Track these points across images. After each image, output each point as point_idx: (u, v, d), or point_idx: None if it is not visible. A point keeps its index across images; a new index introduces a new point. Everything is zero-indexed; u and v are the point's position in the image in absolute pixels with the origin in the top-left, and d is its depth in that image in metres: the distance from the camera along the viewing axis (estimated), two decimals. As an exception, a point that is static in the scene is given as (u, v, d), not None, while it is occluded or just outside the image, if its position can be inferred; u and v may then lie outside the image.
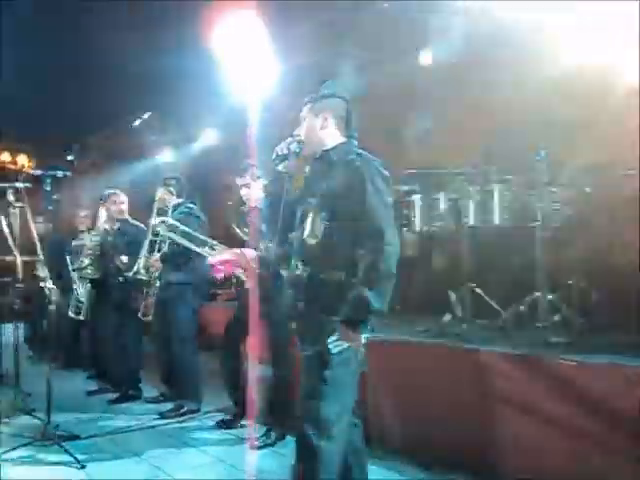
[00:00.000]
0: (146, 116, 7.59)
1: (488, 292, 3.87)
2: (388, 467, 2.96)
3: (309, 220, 2.06)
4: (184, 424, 3.80)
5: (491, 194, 3.86)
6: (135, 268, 3.85)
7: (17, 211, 3.65)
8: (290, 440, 3.38)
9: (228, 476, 2.97)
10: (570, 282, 3.43)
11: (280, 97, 5.22)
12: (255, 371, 3.64)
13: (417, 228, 4.01)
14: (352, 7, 5.08)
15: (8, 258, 4.15)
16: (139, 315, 4.09)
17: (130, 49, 5.28)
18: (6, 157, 7.59)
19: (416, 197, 3.99)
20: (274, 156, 2.18)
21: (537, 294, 3.46)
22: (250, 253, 2.54)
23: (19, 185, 3.37)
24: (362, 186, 1.98)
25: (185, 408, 3.95)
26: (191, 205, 4.12)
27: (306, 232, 2.06)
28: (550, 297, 3.40)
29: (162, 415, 3.90)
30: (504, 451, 2.75)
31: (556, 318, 3.35)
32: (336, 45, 5.35)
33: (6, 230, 3.48)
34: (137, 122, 7.83)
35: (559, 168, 3.74)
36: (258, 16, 4.24)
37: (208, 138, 7.27)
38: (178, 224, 3.76)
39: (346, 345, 1.94)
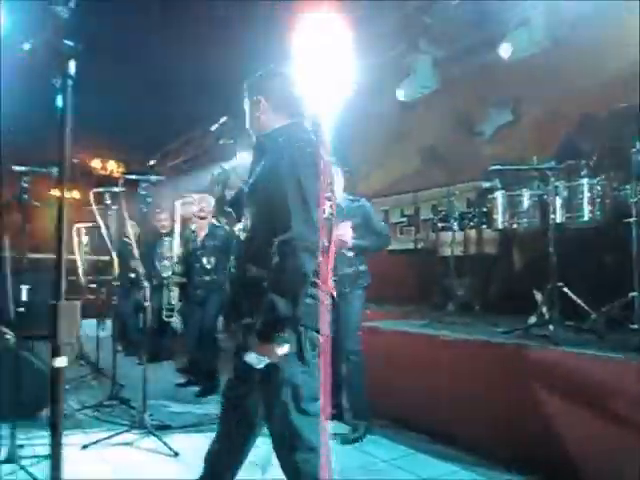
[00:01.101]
0: (223, 120, 7.84)
1: (577, 292, 3.69)
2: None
3: (245, 213, 1.91)
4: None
5: (579, 189, 3.67)
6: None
7: (114, 214, 3.91)
8: (376, 438, 3.43)
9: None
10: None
11: (357, 97, 5.24)
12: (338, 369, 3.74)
13: (499, 226, 3.88)
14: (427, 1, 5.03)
15: (103, 258, 4.48)
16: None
17: (209, 57, 5.49)
18: (97, 163, 8.06)
19: (498, 194, 3.87)
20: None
21: (633, 294, 3.26)
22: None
23: (117, 189, 3.61)
24: (279, 171, 1.75)
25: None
26: None
27: (239, 226, 1.92)
28: (647, 297, 3.19)
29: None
30: (604, 461, 2.63)
31: (654, 320, 3.15)
32: (412, 41, 5.31)
33: (104, 231, 3.73)
34: (214, 127, 8.12)
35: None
36: (335, 15, 4.26)
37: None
38: None
39: (266, 360, 1.73)
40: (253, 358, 1.74)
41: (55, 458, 1.15)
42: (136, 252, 3.51)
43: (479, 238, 4.74)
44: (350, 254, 3.58)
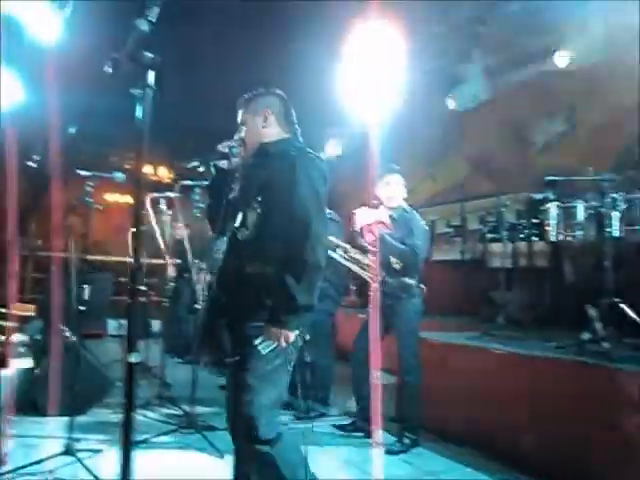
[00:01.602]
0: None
1: (635, 309, 3.55)
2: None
3: (241, 213, 2.00)
4: (315, 426, 3.91)
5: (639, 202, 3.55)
6: None
7: (168, 219, 4.04)
8: (421, 450, 3.40)
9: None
10: None
11: (405, 105, 5.25)
12: (381, 379, 3.72)
13: (552, 238, 3.78)
14: (481, 8, 4.98)
15: (156, 261, 4.61)
16: None
17: (258, 68, 5.59)
18: (149, 170, 8.30)
19: (551, 205, 3.77)
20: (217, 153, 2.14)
21: (696, 312, 3.12)
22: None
23: (172, 195, 3.72)
24: (293, 176, 1.91)
25: (315, 412, 4.02)
26: (329, 210, 4.17)
27: (237, 224, 2.00)
28: None
29: (295, 416, 3.98)
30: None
31: None
32: (463, 50, 5.27)
33: (158, 236, 3.85)
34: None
35: None
36: (387, 22, 4.28)
37: (332, 149, 7.45)
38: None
39: (274, 344, 1.84)
40: (263, 344, 1.83)
41: (125, 452, 1.20)
42: (190, 255, 3.61)
43: (530, 250, 4.63)
44: (397, 266, 3.55)
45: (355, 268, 3.67)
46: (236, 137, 2.14)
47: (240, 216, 1.99)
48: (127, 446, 1.22)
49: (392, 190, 3.65)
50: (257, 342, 1.83)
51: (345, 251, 3.66)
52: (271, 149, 2.07)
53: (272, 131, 2.11)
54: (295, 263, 1.83)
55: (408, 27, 4.37)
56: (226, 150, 2.11)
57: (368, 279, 3.57)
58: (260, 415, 1.83)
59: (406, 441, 3.39)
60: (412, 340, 3.50)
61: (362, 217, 3.57)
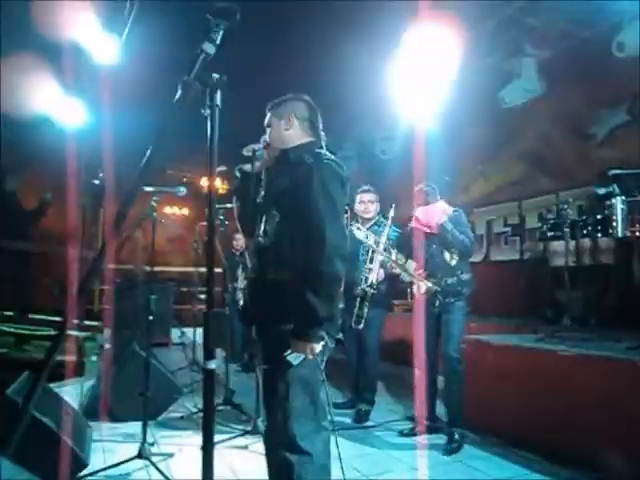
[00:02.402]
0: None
1: None
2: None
3: (263, 219, 2.01)
4: (374, 430, 3.91)
5: None
6: (370, 278, 3.82)
7: (224, 229, 4.15)
8: (482, 454, 3.35)
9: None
10: None
11: (458, 102, 5.17)
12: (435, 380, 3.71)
13: (619, 234, 3.63)
14: (532, 2, 4.86)
15: (202, 269, 4.74)
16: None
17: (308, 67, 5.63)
18: (204, 182, 8.52)
19: (617, 200, 3.62)
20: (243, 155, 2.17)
21: None
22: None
23: (230, 206, 3.81)
24: (308, 183, 1.90)
25: (362, 410, 4.06)
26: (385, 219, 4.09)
27: (259, 232, 2.01)
28: None
29: (354, 420, 4.01)
30: None
31: None
32: (515, 44, 5.16)
33: (218, 246, 3.95)
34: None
35: None
36: (439, 21, 4.25)
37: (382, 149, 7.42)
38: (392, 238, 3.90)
39: (302, 357, 1.84)
40: (291, 355, 1.85)
41: (207, 456, 1.25)
42: (249, 264, 3.68)
43: (594, 247, 4.46)
44: (453, 263, 3.57)
45: (399, 271, 3.70)
46: (262, 140, 2.19)
47: (263, 222, 2.03)
48: (208, 448, 1.27)
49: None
50: (286, 354, 1.86)
51: (390, 254, 3.69)
52: (290, 155, 2.10)
53: (295, 135, 2.13)
54: (312, 276, 1.83)
55: (458, 25, 4.32)
56: (250, 154, 2.15)
57: (416, 281, 3.59)
58: (293, 422, 1.85)
59: (456, 437, 3.43)
60: (458, 340, 3.57)
61: (427, 214, 3.64)
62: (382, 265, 3.85)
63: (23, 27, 4.30)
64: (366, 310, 3.79)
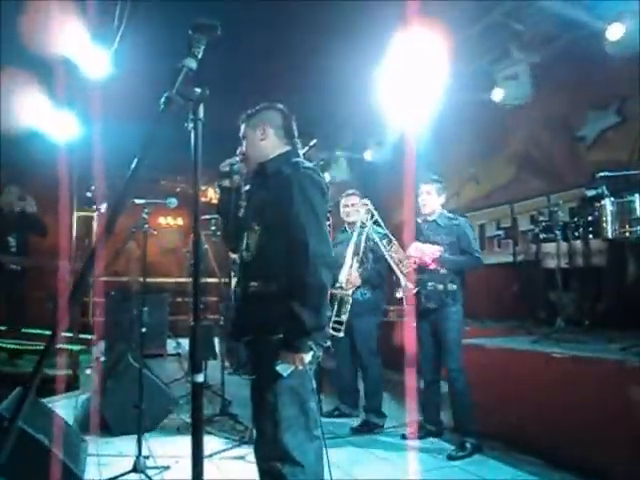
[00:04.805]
0: (313, 143, 8.05)
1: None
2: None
3: (245, 234, 2.01)
4: (374, 437, 3.89)
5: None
6: (340, 280, 3.70)
7: (217, 240, 4.15)
8: (481, 458, 3.34)
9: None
10: None
11: (448, 106, 5.19)
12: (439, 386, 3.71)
13: (609, 235, 3.65)
14: (517, 7, 4.90)
15: (209, 280, 4.75)
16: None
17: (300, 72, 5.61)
18: (212, 194, 8.35)
19: (606, 201, 3.64)
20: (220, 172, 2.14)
21: None
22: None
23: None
24: (290, 194, 1.89)
25: (371, 423, 3.98)
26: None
27: (242, 246, 2.01)
28: None
29: (353, 430, 3.94)
30: None
31: None
32: (503, 48, 5.19)
33: (210, 255, 3.96)
34: (305, 149, 8.33)
35: None
36: (427, 25, 4.27)
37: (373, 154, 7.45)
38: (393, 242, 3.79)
39: (292, 367, 1.84)
40: (281, 366, 1.85)
41: (196, 466, 1.25)
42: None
43: (586, 249, 4.48)
44: (443, 271, 3.55)
45: (392, 263, 3.65)
46: (238, 152, 2.17)
47: (245, 237, 2.03)
48: (197, 461, 1.27)
49: (430, 199, 3.67)
50: (276, 366, 1.85)
51: (389, 242, 3.68)
52: (268, 167, 2.08)
53: (270, 144, 2.11)
54: (298, 286, 1.83)
55: (446, 29, 4.34)
56: (227, 169, 2.12)
57: (402, 278, 3.56)
58: (284, 433, 1.84)
59: (467, 446, 3.38)
60: (459, 347, 3.54)
61: (417, 252, 3.59)
62: (360, 267, 3.83)
63: (12, 41, 4.30)
64: (344, 317, 3.67)
